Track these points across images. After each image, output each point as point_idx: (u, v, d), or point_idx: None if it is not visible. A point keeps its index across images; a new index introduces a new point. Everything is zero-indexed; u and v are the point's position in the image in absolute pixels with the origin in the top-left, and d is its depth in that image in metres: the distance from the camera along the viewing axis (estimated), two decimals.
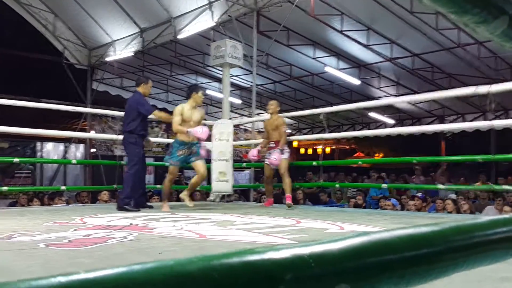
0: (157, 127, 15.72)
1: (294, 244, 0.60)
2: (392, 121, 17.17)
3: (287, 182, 6.50)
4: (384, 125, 17.66)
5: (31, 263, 2.47)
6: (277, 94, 15.40)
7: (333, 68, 12.84)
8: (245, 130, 17.58)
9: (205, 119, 7.42)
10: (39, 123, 9.78)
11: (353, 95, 15.18)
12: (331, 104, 15.73)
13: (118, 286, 0.45)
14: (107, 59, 13.39)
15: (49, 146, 14.25)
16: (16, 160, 7.55)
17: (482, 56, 10.98)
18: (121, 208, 5.76)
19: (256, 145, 7.61)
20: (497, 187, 6.62)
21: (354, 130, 18.83)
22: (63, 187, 9.54)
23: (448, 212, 7.23)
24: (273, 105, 6.85)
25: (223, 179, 7.45)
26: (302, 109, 16.58)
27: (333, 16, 10.40)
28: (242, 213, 5.52)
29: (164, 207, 5.86)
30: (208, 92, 14.34)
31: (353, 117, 17.97)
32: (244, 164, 10.10)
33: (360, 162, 9.70)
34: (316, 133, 18.93)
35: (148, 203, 6.55)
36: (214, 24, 10.48)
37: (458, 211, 7.22)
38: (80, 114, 13.96)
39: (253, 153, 6.98)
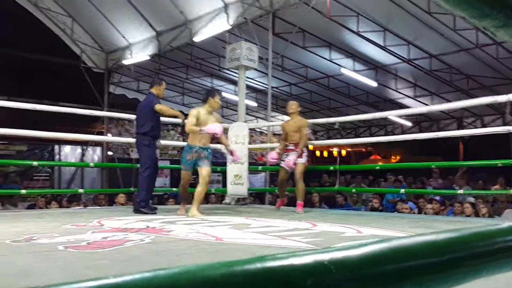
0: (173, 130, 15.79)
1: (315, 250, 0.61)
2: (409, 123, 17.01)
3: (299, 188, 6.32)
4: (401, 127, 17.49)
5: (50, 265, 2.49)
6: (292, 96, 15.34)
7: (349, 70, 12.76)
8: (261, 132, 17.56)
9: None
10: (57, 126, 9.90)
11: (369, 97, 15.08)
12: (347, 107, 15.69)
13: None
14: (124, 62, 13.47)
15: (66, 149, 14.41)
16: (35, 163, 7.62)
17: (501, 57, 10.81)
18: (137, 210, 5.78)
19: (272, 148, 7.55)
20: None
21: (370, 132, 18.70)
22: (80, 190, 9.63)
23: (467, 216, 7.12)
24: (294, 105, 6.62)
25: (238, 182, 7.43)
26: (317, 111, 16.54)
27: (349, 17, 10.32)
28: (257, 216, 5.51)
29: (181, 210, 5.85)
30: (223, 94, 14.31)
31: (370, 119, 17.83)
32: (260, 168, 10.08)
33: (378, 168, 9.55)
34: (332, 136, 18.91)
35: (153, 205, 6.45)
36: (230, 26, 10.46)
37: (476, 214, 7.12)
38: (98, 117, 14.08)
39: (272, 156, 6.74)
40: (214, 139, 5.90)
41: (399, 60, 12.10)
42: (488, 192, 9.16)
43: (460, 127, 15.43)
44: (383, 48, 11.40)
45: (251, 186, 9.52)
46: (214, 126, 5.50)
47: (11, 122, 7.43)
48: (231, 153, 6.03)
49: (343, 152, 20.48)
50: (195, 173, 5.78)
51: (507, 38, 0.80)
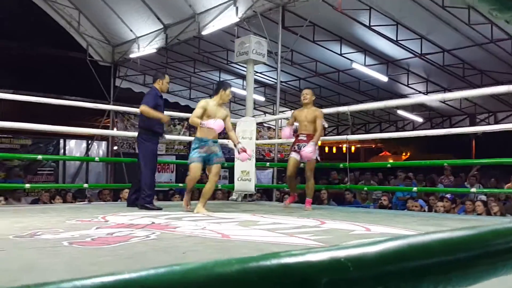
0: (179, 124, 15.63)
1: (331, 246, 0.60)
2: (420, 119, 16.75)
3: (310, 185, 6.04)
4: (412, 123, 17.25)
5: (55, 261, 2.46)
6: (301, 91, 15.17)
7: (360, 65, 12.54)
8: (269, 128, 17.39)
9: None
10: (62, 120, 9.77)
11: (380, 92, 14.85)
12: (357, 102, 15.46)
13: (159, 287, 0.47)
14: (131, 55, 13.35)
15: (71, 143, 14.29)
16: (39, 157, 7.45)
17: None
18: (142, 206, 5.68)
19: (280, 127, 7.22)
20: None
21: (380, 128, 18.45)
22: (85, 185, 9.52)
23: (478, 214, 6.99)
24: (308, 94, 6.21)
25: (245, 178, 7.32)
26: (327, 106, 16.32)
27: (361, 10, 10.12)
28: (265, 213, 5.43)
29: (185, 201, 5.69)
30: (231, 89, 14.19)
31: (380, 115, 17.61)
32: (267, 164, 9.96)
33: (389, 165, 9.35)
34: (341, 132, 18.68)
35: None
36: (239, 19, 10.30)
37: (488, 213, 7.00)
38: (103, 111, 13.96)
39: (286, 133, 6.37)
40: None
41: (411, 55, 11.90)
42: (502, 191, 9.06)
43: (473, 123, 15.13)
44: (395, 42, 11.20)
45: (258, 182, 9.37)
46: (212, 121, 5.33)
47: (16, 116, 7.32)
48: (240, 151, 5.74)
49: (352, 149, 20.26)
50: (203, 169, 5.59)
51: None
